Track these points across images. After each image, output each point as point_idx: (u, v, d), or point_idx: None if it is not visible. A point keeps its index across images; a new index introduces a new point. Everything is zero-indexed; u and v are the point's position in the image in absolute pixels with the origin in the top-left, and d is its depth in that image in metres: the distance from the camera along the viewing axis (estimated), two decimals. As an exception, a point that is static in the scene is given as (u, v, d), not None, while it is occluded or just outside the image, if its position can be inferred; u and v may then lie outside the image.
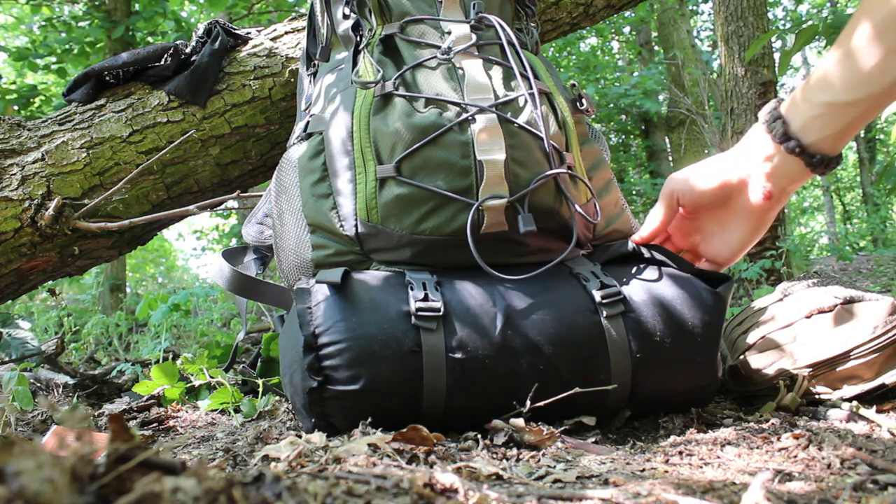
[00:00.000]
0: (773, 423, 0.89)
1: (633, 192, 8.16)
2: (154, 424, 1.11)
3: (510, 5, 1.18)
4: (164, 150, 1.35)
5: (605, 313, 0.90)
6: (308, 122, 1.06)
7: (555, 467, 0.71)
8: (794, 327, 1.03)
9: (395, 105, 0.96)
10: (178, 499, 0.31)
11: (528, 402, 0.85)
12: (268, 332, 1.69)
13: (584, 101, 1.09)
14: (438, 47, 1.02)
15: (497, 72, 1.02)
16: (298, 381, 0.86)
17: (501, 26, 1.04)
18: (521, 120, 0.96)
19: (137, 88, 1.43)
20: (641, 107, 7.07)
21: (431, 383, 0.84)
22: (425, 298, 0.87)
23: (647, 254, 0.99)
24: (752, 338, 1.08)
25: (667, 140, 8.01)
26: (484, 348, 0.86)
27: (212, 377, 1.24)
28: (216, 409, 1.18)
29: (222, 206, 1.42)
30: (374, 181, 0.94)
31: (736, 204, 0.88)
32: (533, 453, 0.76)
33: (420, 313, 0.85)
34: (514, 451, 0.77)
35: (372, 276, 0.92)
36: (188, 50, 1.41)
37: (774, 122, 0.79)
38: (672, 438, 0.85)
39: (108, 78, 1.42)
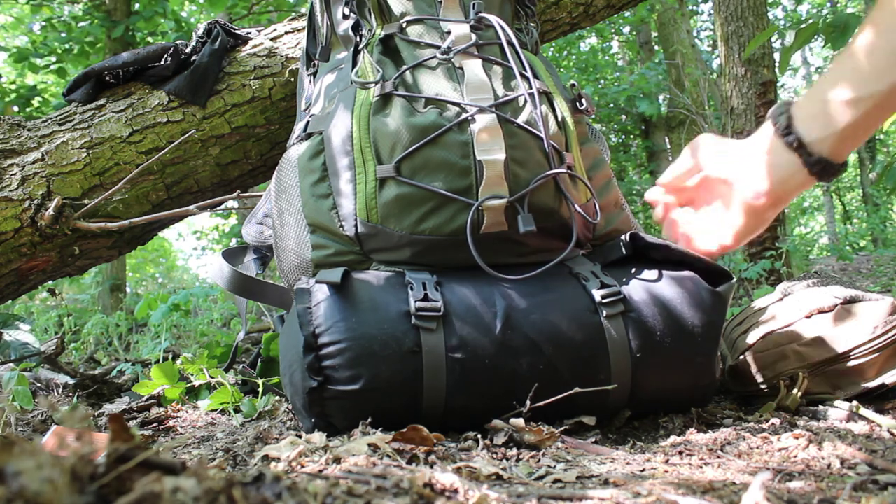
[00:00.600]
0: (773, 423, 0.89)
1: (633, 192, 8.16)
2: (154, 424, 1.11)
3: (510, 5, 1.18)
4: (164, 150, 1.35)
5: (605, 313, 0.90)
6: (308, 122, 1.06)
7: (555, 467, 0.71)
8: (794, 327, 1.03)
9: (395, 105, 0.96)
10: (178, 499, 0.31)
11: (528, 402, 0.85)
12: (268, 332, 1.69)
13: (583, 101, 1.09)
14: (438, 47, 1.02)
15: (497, 72, 1.02)
16: (298, 381, 0.86)
17: (501, 26, 1.04)
18: (521, 120, 0.96)
19: (137, 88, 1.43)
20: (638, 107, 7.07)
21: (431, 383, 0.84)
22: (425, 298, 0.87)
23: (651, 239, 0.98)
24: (752, 338, 1.07)
25: (667, 140, 8.00)
26: (484, 348, 0.86)
27: (212, 377, 1.24)
28: (216, 409, 1.18)
29: (222, 206, 1.42)
30: (374, 181, 0.94)
31: (734, 193, 0.83)
32: (533, 453, 0.76)
33: (420, 313, 0.86)
34: (514, 451, 0.77)
35: (372, 276, 0.92)
36: (188, 50, 1.41)
37: (780, 115, 0.77)
38: (672, 438, 0.85)
39: (108, 78, 1.42)
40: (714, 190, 0.88)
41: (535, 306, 0.90)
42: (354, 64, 1.06)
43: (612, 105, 7.78)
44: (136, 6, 4.62)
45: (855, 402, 0.94)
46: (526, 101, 0.98)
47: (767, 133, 0.78)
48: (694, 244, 0.91)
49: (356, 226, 0.95)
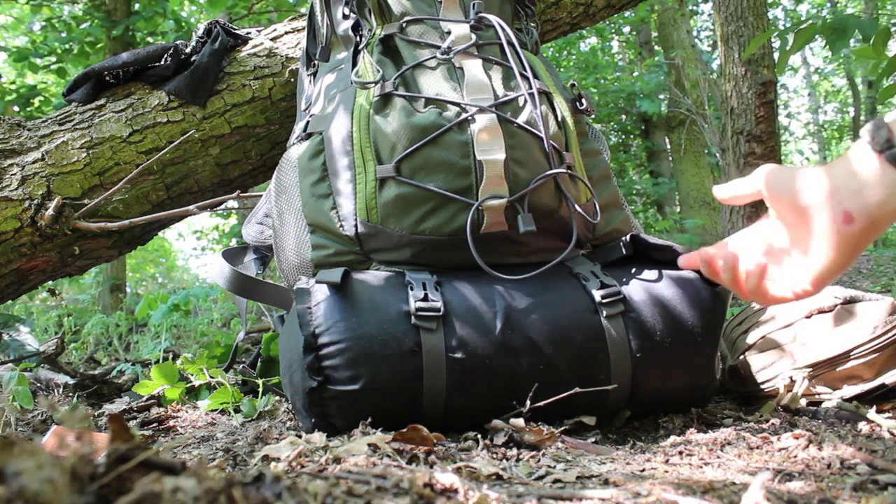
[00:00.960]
0: (773, 423, 0.89)
1: (633, 192, 8.15)
2: (154, 424, 1.11)
3: (510, 5, 1.18)
4: (164, 150, 1.35)
5: (605, 313, 0.90)
6: (308, 122, 1.06)
7: (555, 467, 0.71)
8: (794, 327, 1.03)
9: (395, 105, 0.96)
10: (178, 499, 0.31)
11: (528, 402, 0.85)
12: (268, 332, 1.69)
13: (584, 101, 1.09)
14: (438, 47, 1.02)
15: (497, 72, 1.02)
16: (298, 381, 0.86)
17: (501, 26, 1.04)
18: (521, 120, 0.96)
19: (137, 88, 1.43)
20: (639, 106, 7.07)
21: (431, 383, 0.84)
22: (425, 298, 0.87)
23: (652, 240, 0.98)
24: (752, 338, 1.08)
25: (667, 140, 8.00)
26: (484, 348, 0.86)
27: (212, 377, 1.24)
28: (216, 409, 1.18)
29: (222, 206, 1.42)
30: (374, 181, 0.94)
31: (818, 222, 0.71)
32: (533, 453, 0.76)
33: (420, 313, 0.86)
34: (514, 451, 0.77)
35: (372, 276, 0.92)
36: (188, 50, 1.41)
37: (878, 130, 0.66)
38: (672, 438, 0.85)
39: (108, 78, 1.42)
40: (786, 226, 0.76)
41: (535, 306, 0.90)
42: (354, 64, 1.06)
43: (612, 105, 7.77)
44: (136, 6, 4.62)
45: (855, 402, 0.94)
46: (526, 101, 0.98)
47: (860, 151, 0.68)
48: (768, 296, 0.78)
49: (356, 226, 0.95)
